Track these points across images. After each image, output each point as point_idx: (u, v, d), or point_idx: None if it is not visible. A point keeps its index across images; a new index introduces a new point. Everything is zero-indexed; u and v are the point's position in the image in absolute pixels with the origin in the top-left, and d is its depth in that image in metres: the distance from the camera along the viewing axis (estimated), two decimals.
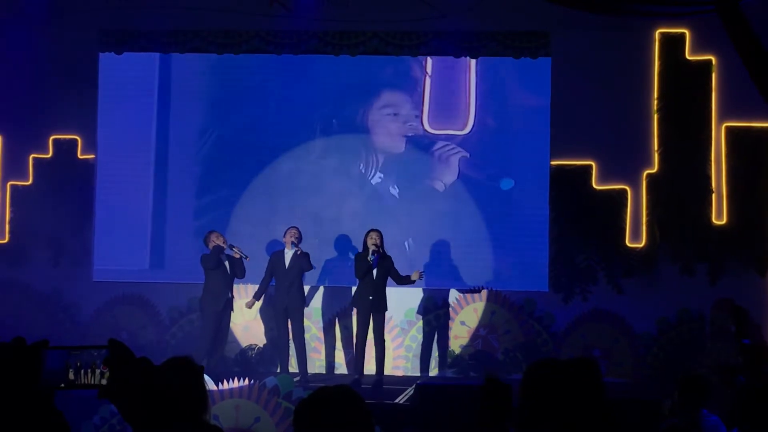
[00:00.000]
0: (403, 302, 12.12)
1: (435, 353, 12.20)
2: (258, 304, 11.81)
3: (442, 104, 12.76)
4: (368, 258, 11.00)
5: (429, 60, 12.71)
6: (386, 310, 11.20)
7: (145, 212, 12.94)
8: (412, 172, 12.79)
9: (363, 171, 12.85)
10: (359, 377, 10.99)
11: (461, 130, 12.73)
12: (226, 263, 11.39)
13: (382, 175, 12.79)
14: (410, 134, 12.82)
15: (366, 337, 11.13)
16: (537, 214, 12.26)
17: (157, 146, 13.01)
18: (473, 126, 12.70)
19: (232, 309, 11.49)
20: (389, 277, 11.18)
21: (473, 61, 12.62)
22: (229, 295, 11.42)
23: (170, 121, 13.02)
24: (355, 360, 11.31)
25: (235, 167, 12.86)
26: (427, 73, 12.75)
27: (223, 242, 11.40)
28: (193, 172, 12.97)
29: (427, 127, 12.76)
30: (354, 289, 11.28)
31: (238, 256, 11.34)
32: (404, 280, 11.24)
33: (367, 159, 12.86)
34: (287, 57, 12.46)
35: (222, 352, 11.60)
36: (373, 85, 12.87)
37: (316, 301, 12.31)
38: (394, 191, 12.78)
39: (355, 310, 11.30)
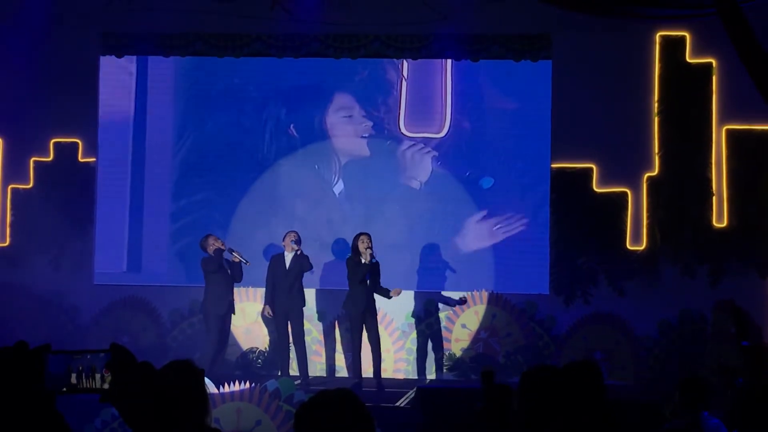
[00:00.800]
0: (404, 305, 12.12)
1: (434, 356, 12.20)
2: (259, 307, 11.83)
3: (418, 107, 12.72)
4: (364, 262, 11.00)
5: (405, 63, 12.64)
6: (377, 313, 11.21)
7: (123, 215, 12.92)
8: (407, 174, 12.74)
9: (359, 174, 12.81)
10: (359, 381, 10.99)
11: (437, 133, 12.70)
12: (226, 267, 11.40)
13: (377, 178, 12.74)
14: (372, 135, 12.78)
15: (361, 341, 11.14)
16: (537, 216, 12.28)
17: (134, 149, 12.96)
18: (449, 129, 12.65)
19: (233, 312, 11.49)
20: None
21: (449, 64, 12.57)
22: (230, 298, 11.43)
23: (147, 123, 12.97)
24: (353, 364, 11.31)
25: (212, 171, 12.82)
26: (403, 76, 12.71)
27: (222, 245, 11.40)
28: (170, 176, 12.92)
29: (403, 130, 12.71)
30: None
31: (237, 260, 11.35)
32: (382, 292, 11.23)
33: (357, 161, 12.82)
34: (256, 60, 12.46)
35: (224, 356, 11.59)
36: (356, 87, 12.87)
37: (318, 305, 12.31)
38: (390, 193, 12.73)
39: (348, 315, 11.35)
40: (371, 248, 11.02)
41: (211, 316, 11.28)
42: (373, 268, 11.10)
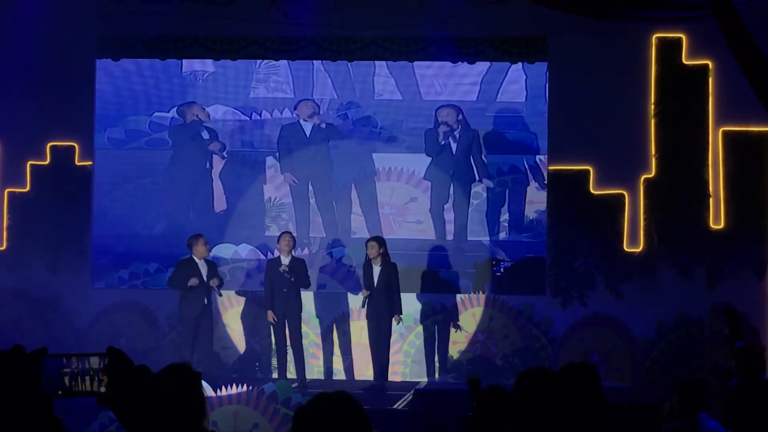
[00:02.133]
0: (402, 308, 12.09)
1: (436, 358, 12.20)
2: (255, 310, 11.81)
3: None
4: (369, 268, 11.11)
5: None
6: (392, 316, 11.21)
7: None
8: (406, 174, 12.73)
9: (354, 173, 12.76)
10: (377, 382, 11.07)
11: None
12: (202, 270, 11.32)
13: (375, 177, 12.71)
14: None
15: (375, 343, 11.22)
16: (535, 218, 12.28)
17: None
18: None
19: (210, 316, 11.37)
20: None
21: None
22: (205, 302, 11.28)
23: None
24: (374, 366, 11.33)
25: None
26: None
27: (208, 250, 11.35)
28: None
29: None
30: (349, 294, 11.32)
31: (216, 285, 11.27)
32: (396, 300, 11.23)
33: (355, 162, 12.76)
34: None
35: (212, 359, 11.45)
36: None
37: (315, 307, 12.30)
38: (387, 195, 12.71)
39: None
40: (371, 254, 11.09)
41: (186, 318, 11.20)
42: (385, 271, 11.13)
